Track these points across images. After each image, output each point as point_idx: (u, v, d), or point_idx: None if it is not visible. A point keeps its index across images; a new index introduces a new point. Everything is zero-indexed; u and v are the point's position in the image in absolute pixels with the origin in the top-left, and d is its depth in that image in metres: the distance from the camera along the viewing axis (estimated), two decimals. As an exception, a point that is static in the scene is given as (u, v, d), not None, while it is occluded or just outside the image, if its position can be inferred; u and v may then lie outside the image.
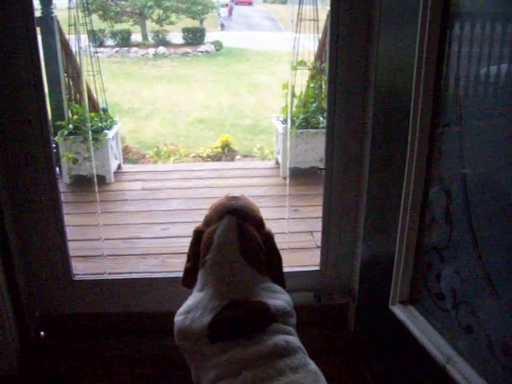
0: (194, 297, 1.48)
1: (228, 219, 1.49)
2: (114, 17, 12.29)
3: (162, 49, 12.26)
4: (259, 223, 1.55)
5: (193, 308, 1.44)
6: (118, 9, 12.45)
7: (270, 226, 1.60)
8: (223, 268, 1.46)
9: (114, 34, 12.34)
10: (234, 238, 1.46)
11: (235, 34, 14.35)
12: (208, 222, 1.55)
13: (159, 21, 12.68)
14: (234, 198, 1.58)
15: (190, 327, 1.41)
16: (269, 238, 1.56)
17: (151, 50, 12.18)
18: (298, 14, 4.12)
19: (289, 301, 1.50)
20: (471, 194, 1.31)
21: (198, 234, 1.55)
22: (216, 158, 5.95)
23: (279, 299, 1.47)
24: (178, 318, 1.46)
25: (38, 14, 3.96)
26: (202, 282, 1.48)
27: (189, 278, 1.57)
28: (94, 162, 4.05)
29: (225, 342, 1.35)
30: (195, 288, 1.51)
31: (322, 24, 4.15)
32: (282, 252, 1.62)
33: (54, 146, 2.07)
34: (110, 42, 12.37)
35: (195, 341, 1.40)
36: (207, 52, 12.58)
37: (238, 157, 6.09)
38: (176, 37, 12.84)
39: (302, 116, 4.29)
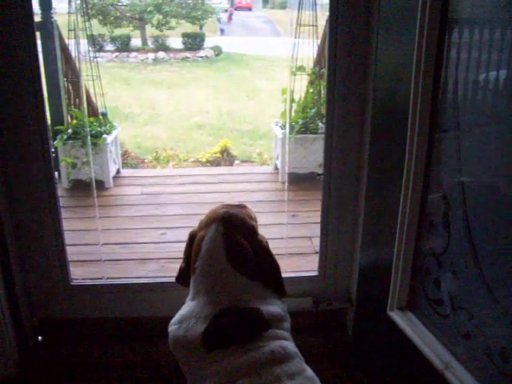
0: (187, 306, 1.48)
1: (214, 227, 1.49)
2: (114, 22, 12.32)
3: (161, 54, 12.29)
4: (249, 231, 1.53)
5: (186, 317, 1.44)
6: (118, 14, 12.48)
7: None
8: (212, 276, 1.46)
9: (113, 39, 12.37)
10: (220, 246, 1.46)
11: (235, 39, 14.38)
12: (201, 227, 1.56)
13: (159, 26, 12.72)
14: (229, 205, 1.58)
15: (184, 337, 1.41)
16: (261, 245, 1.54)
17: (151, 55, 12.21)
18: (298, 19, 4.13)
19: (282, 305, 1.50)
20: (469, 200, 1.31)
21: (193, 237, 1.57)
22: (215, 163, 5.95)
23: (273, 304, 1.47)
24: (171, 328, 1.46)
25: (37, 18, 3.96)
26: (193, 290, 1.49)
27: (183, 277, 1.61)
28: (93, 167, 4.04)
29: (220, 350, 1.35)
30: (188, 297, 1.52)
31: (321, 30, 4.16)
32: (280, 257, 1.61)
33: (52, 150, 2.06)
34: (109, 46, 12.41)
35: (190, 350, 1.40)
36: (207, 57, 12.60)
37: (237, 162, 6.08)
38: (175, 42, 12.87)
39: (300, 121, 4.28)
